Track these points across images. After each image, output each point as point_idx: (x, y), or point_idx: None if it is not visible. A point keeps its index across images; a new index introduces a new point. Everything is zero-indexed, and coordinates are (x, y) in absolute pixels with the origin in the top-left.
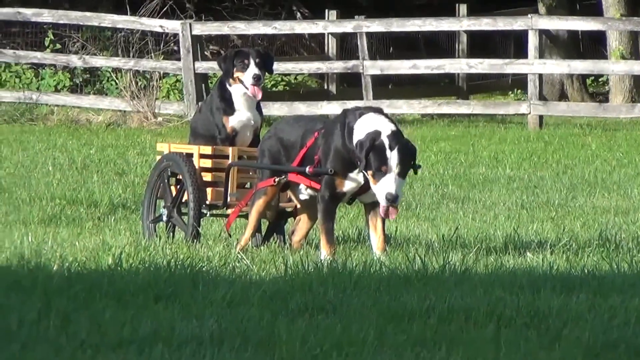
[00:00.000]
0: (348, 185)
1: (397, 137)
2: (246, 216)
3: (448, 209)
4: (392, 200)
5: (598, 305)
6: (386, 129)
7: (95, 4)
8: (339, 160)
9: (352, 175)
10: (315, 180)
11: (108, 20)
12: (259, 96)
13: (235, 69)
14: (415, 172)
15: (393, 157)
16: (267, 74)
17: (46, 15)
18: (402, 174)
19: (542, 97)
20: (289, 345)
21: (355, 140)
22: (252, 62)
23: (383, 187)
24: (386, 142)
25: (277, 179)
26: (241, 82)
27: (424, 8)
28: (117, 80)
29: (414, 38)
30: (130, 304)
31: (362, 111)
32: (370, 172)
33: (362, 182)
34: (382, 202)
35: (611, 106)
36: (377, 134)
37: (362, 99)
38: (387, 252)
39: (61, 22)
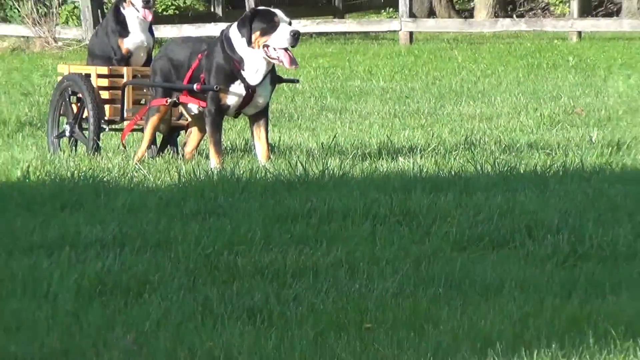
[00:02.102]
0: (231, 99)
1: None
2: (142, 130)
3: (327, 119)
4: (296, 36)
5: (464, 203)
6: None
7: None
8: (222, 74)
9: (234, 88)
10: (203, 99)
11: None
12: (149, 18)
13: None
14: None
15: (279, 12)
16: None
17: None
18: (290, 23)
19: (412, 15)
20: (184, 246)
21: (233, 40)
22: None
23: (283, 31)
24: (264, 8)
25: (169, 100)
26: (133, 5)
27: None
28: (19, 8)
29: None
30: (39, 212)
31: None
32: (259, 33)
33: (244, 93)
34: (286, 43)
35: (476, 22)
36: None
37: None
38: (272, 160)
39: None
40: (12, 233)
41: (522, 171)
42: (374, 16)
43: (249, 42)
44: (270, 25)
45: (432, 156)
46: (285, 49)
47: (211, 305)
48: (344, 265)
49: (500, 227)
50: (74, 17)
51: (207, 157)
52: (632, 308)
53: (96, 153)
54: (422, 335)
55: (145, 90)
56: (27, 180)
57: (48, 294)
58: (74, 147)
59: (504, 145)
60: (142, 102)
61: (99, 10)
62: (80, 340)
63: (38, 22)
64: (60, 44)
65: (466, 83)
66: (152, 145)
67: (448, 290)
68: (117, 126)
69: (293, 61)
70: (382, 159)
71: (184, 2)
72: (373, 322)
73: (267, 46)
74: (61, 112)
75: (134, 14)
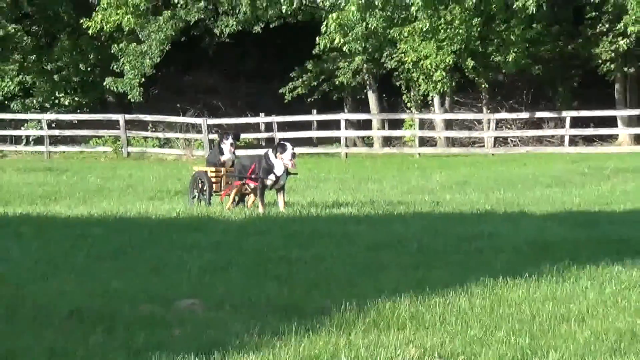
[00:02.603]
0: (269, 182)
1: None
2: (229, 195)
3: (309, 191)
4: (294, 154)
5: (370, 229)
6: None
7: (163, 112)
8: (265, 171)
9: (270, 177)
10: (256, 182)
11: (172, 119)
12: (233, 149)
13: (224, 139)
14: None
15: (287, 143)
16: (238, 141)
17: (149, 117)
18: (293, 149)
19: (347, 145)
20: (247, 247)
21: (269, 155)
22: (230, 137)
23: (289, 151)
24: (283, 142)
25: (241, 182)
26: (226, 144)
27: (300, 112)
28: (177, 142)
29: (296, 123)
30: (183, 231)
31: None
32: (279, 153)
33: (275, 179)
34: (289, 157)
35: (374, 149)
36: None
37: None
38: (285, 209)
39: (157, 120)
40: (171, 240)
41: (395, 213)
42: (330, 145)
43: (275, 156)
44: (283, 149)
45: (355, 207)
46: (290, 160)
47: (259, 272)
48: (317, 257)
49: (386, 240)
50: (201, 146)
51: (257, 207)
52: (446, 275)
53: (209, 205)
54: (354, 287)
55: (231, 179)
56: (178, 218)
57: (186, 269)
58: (199, 203)
59: (388, 202)
60: (229, 183)
61: (211, 143)
62: (202, 289)
63: (185, 147)
64: (194, 158)
65: (371, 176)
66: (233, 202)
67: (365, 268)
68: (218, 194)
69: (294, 165)
70: (334, 208)
71: (248, 140)
72: (331, 282)
73: (282, 158)
74: (194, 187)
75: (227, 147)
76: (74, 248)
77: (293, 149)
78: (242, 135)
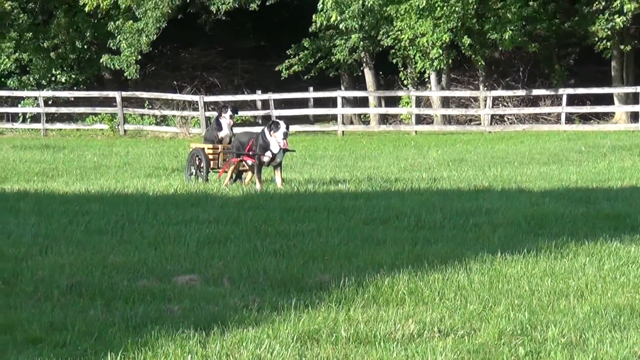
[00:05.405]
0: (265, 159)
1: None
2: (226, 172)
3: (306, 168)
4: (286, 134)
5: (367, 204)
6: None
7: (160, 89)
8: (262, 148)
9: (267, 154)
10: (253, 158)
11: (169, 96)
12: (231, 124)
13: (222, 112)
14: (294, 151)
15: (280, 122)
16: (236, 114)
17: (145, 94)
18: (286, 129)
19: (344, 123)
20: (245, 222)
21: (265, 133)
22: (229, 110)
23: (281, 131)
24: (276, 120)
25: (239, 159)
26: (224, 117)
27: (297, 89)
28: (174, 120)
29: (293, 101)
30: (181, 207)
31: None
32: (273, 132)
33: (271, 156)
34: (281, 137)
35: (370, 126)
36: (272, 121)
37: None
38: (283, 185)
39: (153, 97)
40: (169, 215)
41: (392, 190)
42: (327, 123)
43: (270, 134)
44: (277, 128)
45: (352, 184)
46: (282, 139)
47: (256, 246)
48: (315, 231)
49: (384, 215)
50: (197, 123)
51: (255, 184)
52: (444, 250)
53: (206, 182)
54: (351, 260)
55: (228, 155)
56: (176, 194)
57: (184, 241)
58: (196, 180)
59: (385, 179)
60: (226, 160)
61: (208, 120)
62: (200, 263)
63: (182, 125)
64: (191, 135)
65: (367, 153)
66: (230, 179)
67: (363, 242)
68: (217, 171)
69: (285, 145)
70: (331, 185)
71: (244, 117)
72: (329, 255)
73: (276, 137)
74: (191, 164)
75: (225, 121)
76: (72, 223)
77: (286, 128)
78: (239, 113)
